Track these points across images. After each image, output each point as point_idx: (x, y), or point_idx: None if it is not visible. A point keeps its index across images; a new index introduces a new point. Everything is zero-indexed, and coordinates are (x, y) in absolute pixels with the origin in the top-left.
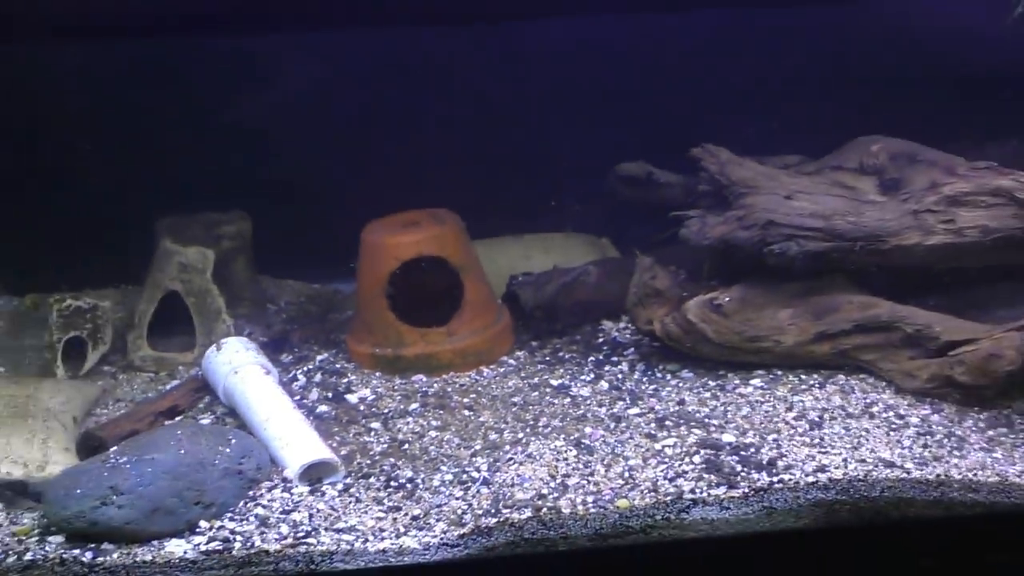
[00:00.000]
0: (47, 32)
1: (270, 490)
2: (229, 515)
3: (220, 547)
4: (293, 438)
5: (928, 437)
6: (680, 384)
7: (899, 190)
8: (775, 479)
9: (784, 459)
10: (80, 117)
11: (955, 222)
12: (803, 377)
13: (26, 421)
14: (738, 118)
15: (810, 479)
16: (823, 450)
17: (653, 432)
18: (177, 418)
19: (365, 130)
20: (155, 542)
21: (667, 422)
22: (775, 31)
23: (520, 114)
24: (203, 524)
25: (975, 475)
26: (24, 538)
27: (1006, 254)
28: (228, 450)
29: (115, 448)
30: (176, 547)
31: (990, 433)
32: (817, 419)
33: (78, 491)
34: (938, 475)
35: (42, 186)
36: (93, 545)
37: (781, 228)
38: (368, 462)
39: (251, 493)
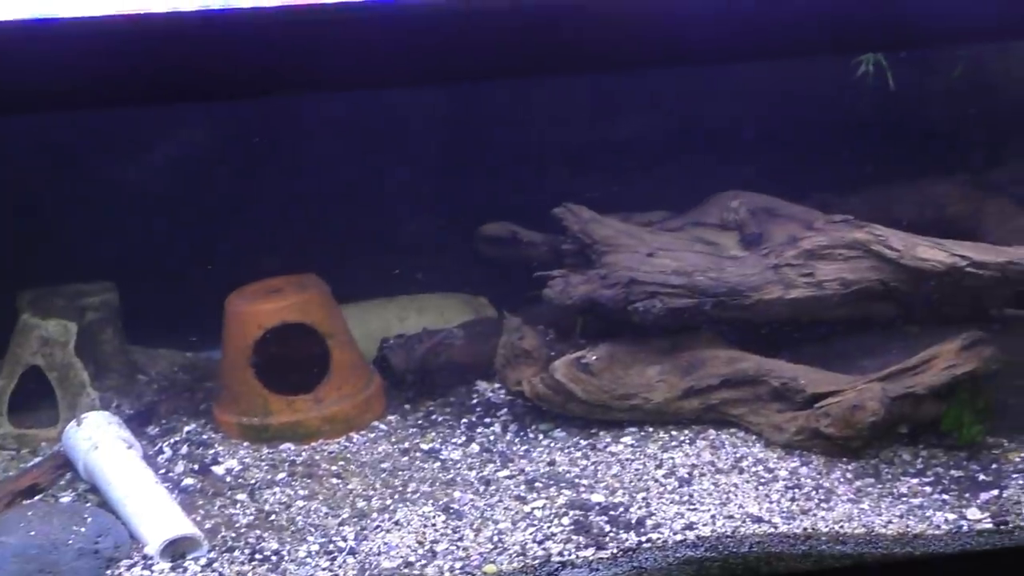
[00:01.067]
0: None
1: (129, 568)
2: None
3: None
4: (154, 514)
5: (797, 490)
6: (552, 444)
7: (760, 245)
8: (643, 539)
9: (653, 517)
10: None
11: (815, 275)
12: (674, 433)
13: None
14: (601, 176)
15: (678, 537)
16: (692, 507)
17: (523, 494)
18: (37, 497)
19: (236, 196)
20: None
21: (537, 483)
22: (630, 93)
23: (382, 179)
24: None
25: (843, 527)
26: None
27: (865, 305)
28: (83, 529)
29: None
30: None
31: (857, 484)
32: (687, 476)
33: None
34: (805, 528)
35: None
36: None
37: (644, 286)
38: (233, 535)
39: (109, 572)
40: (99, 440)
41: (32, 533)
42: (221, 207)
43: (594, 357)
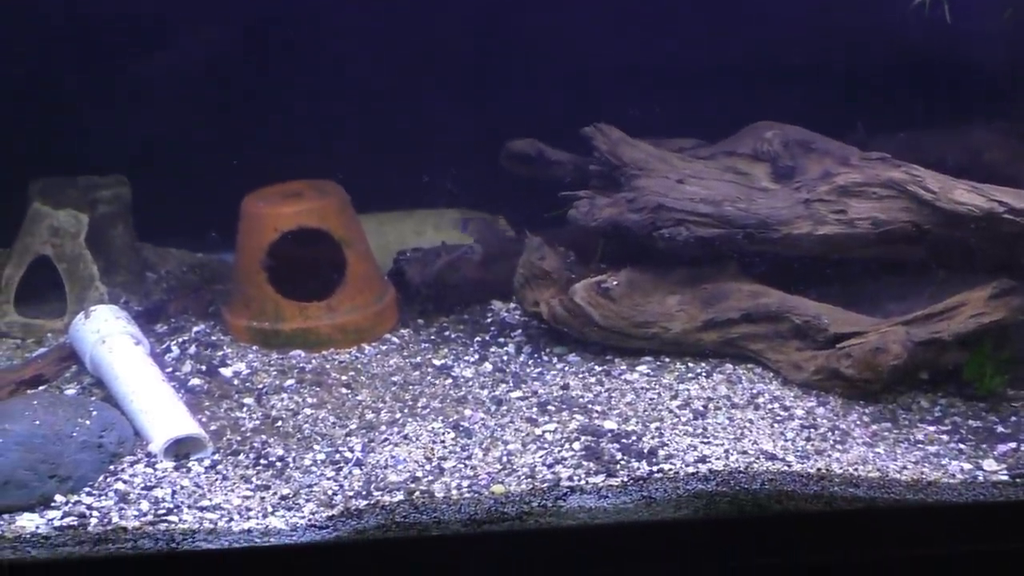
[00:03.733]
0: None
1: (132, 465)
2: (87, 490)
3: (75, 523)
4: (159, 412)
5: (812, 430)
6: (566, 368)
7: (792, 178)
8: (655, 469)
9: (665, 448)
10: None
11: (846, 213)
12: (690, 365)
13: None
14: (633, 99)
15: (690, 470)
16: (705, 440)
17: (535, 417)
18: (41, 387)
19: (255, 97)
20: (5, 516)
21: (549, 407)
22: (672, 12)
23: (411, 87)
24: (58, 498)
25: (856, 470)
26: None
27: (896, 247)
28: (88, 422)
29: None
30: (28, 522)
31: (874, 428)
32: (701, 408)
33: None
34: (819, 469)
35: None
36: None
37: (671, 212)
38: (238, 439)
39: (112, 468)
40: (107, 334)
41: (37, 423)
42: (243, 106)
43: (615, 282)
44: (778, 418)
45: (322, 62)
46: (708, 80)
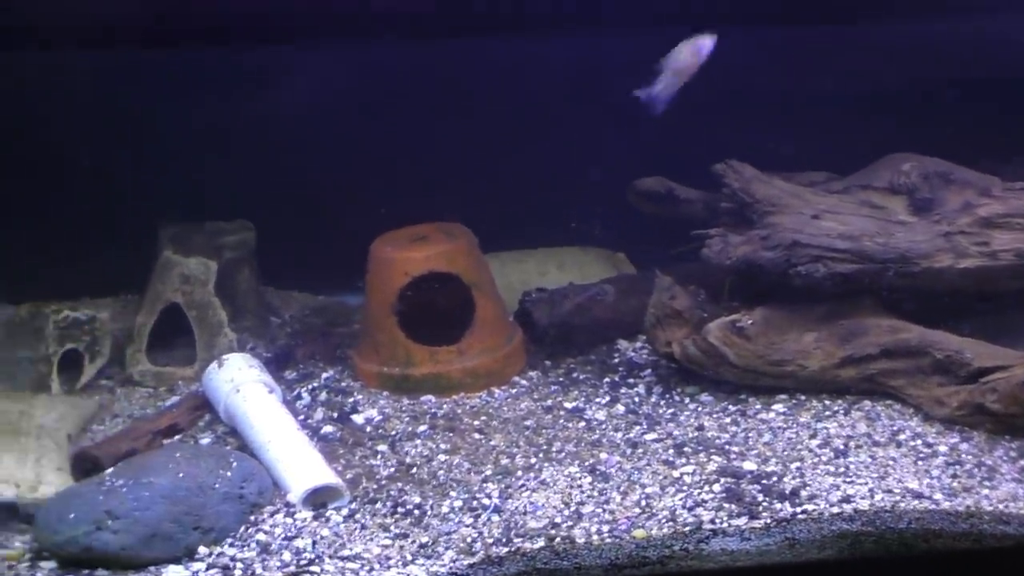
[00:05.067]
0: (49, 38)
1: (272, 515)
2: (229, 541)
3: (219, 574)
4: (297, 461)
5: (957, 467)
6: (699, 408)
7: (931, 211)
8: (798, 509)
9: (808, 488)
10: (83, 123)
11: (989, 244)
12: (827, 403)
13: (18, 439)
14: (761, 134)
15: (835, 510)
16: (848, 479)
17: (671, 459)
18: (176, 437)
19: (376, 140)
20: (152, 568)
21: (686, 448)
22: (798, 48)
23: (535, 128)
24: (202, 550)
25: (1006, 506)
26: (15, 563)
27: None
28: (229, 473)
29: (111, 470)
30: (174, 574)
31: (1022, 463)
32: (842, 447)
33: (72, 515)
34: (968, 506)
35: (40, 191)
36: (87, 572)
37: (807, 249)
38: (374, 487)
39: (252, 518)
40: (241, 383)
41: (180, 475)
42: (365, 150)
43: (750, 321)
44: (921, 455)
45: (442, 105)
46: (835, 113)
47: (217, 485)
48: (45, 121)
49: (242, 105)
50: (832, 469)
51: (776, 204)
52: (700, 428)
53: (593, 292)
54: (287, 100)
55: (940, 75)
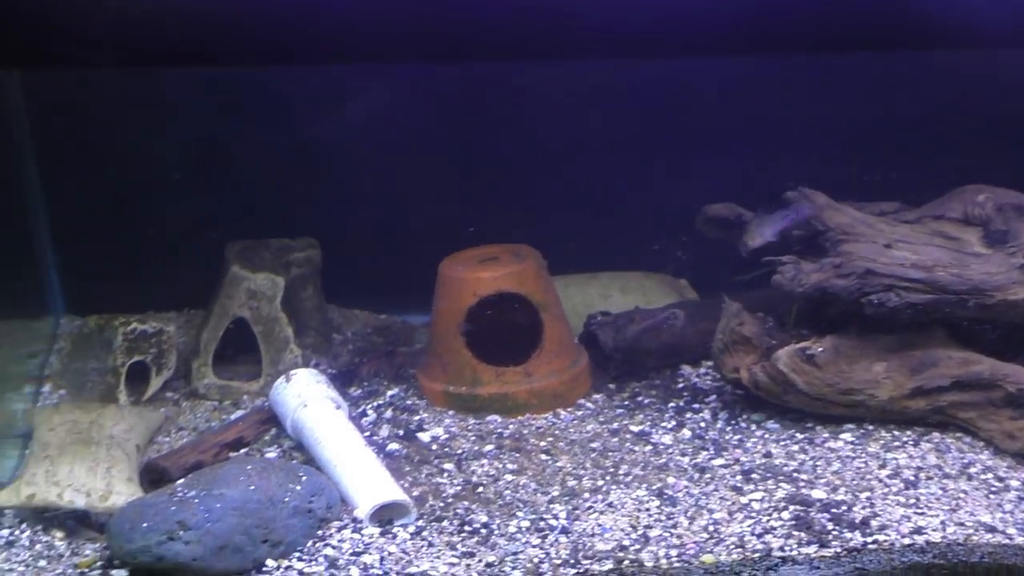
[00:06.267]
0: (129, 58)
1: (340, 530)
2: (297, 555)
3: None
4: (365, 477)
5: None
6: (766, 435)
7: (1005, 243)
8: (868, 539)
9: (878, 518)
10: (151, 141)
11: None
12: (896, 433)
13: (89, 448)
14: (833, 164)
15: (906, 541)
16: (919, 511)
17: (739, 485)
18: (242, 450)
19: (442, 161)
20: None
21: (753, 475)
22: (874, 76)
23: (608, 150)
24: (270, 563)
25: None
26: (87, 571)
27: None
28: (298, 487)
29: (182, 481)
30: None
31: None
32: (912, 478)
33: (144, 524)
34: None
35: (107, 208)
36: None
37: (880, 278)
38: (441, 504)
39: (320, 533)
40: (308, 398)
41: (251, 488)
42: (433, 170)
43: (820, 349)
44: (993, 489)
45: (514, 126)
46: (903, 143)
47: (287, 499)
48: (115, 137)
49: (309, 123)
50: (902, 500)
51: (849, 232)
52: (767, 455)
53: (664, 316)
54: (355, 118)
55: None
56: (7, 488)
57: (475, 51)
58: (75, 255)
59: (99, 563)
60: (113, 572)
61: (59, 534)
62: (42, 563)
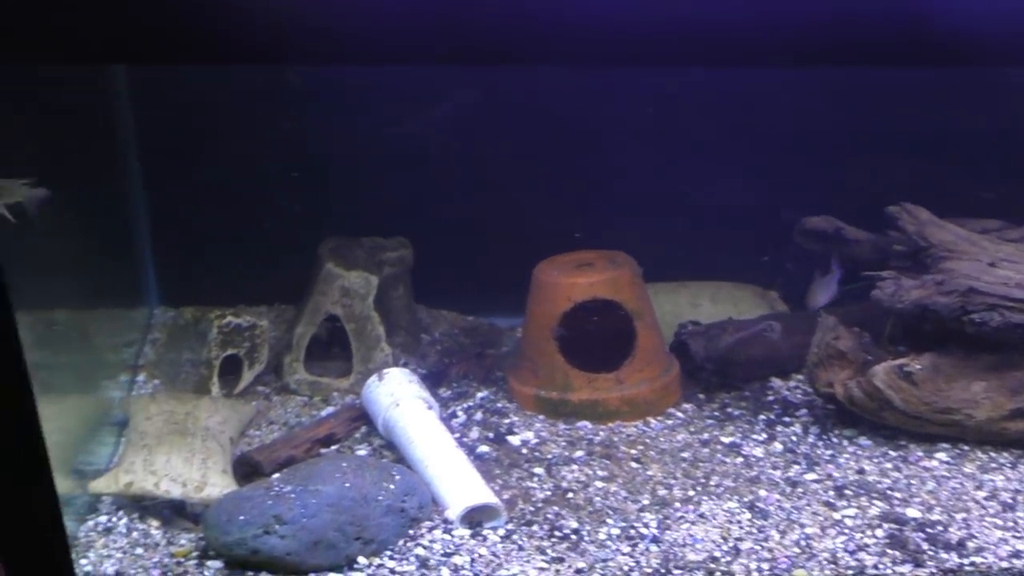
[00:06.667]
0: (227, 54)
1: (430, 530)
2: (388, 553)
3: None
4: (456, 479)
5: None
6: (858, 451)
7: None
8: (965, 561)
9: (975, 540)
10: (243, 135)
11: None
12: (992, 454)
13: (185, 439)
14: (939, 179)
15: (1003, 564)
16: (1018, 535)
17: (831, 500)
18: (333, 447)
19: (535, 162)
20: (313, 575)
21: (846, 491)
22: (983, 89)
23: (707, 158)
24: (361, 560)
25: None
26: (183, 560)
27: None
28: (392, 486)
29: (278, 475)
30: None
31: None
32: (1010, 501)
33: (241, 517)
34: None
35: (205, 200)
36: (251, 574)
37: (983, 296)
38: (531, 509)
39: (411, 532)
40: (400, 397)
41: (347, 485)
42: (523, 172)
43: (918, 366)
44: None
45: (609, 131)
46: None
47: (380, 497)
48: (215, 132)
49: (403, 122)
50: (1000, 523)
51: (952, 250)
52: (860, 471)
53: (759, 328)
54: (448, 118)
55: None
56: (106, 475)
57: (575, 56)
58: (171, 247)
59: (194, 553)
60: (208, 563)
61: (155, 523)
62: (139, 551)
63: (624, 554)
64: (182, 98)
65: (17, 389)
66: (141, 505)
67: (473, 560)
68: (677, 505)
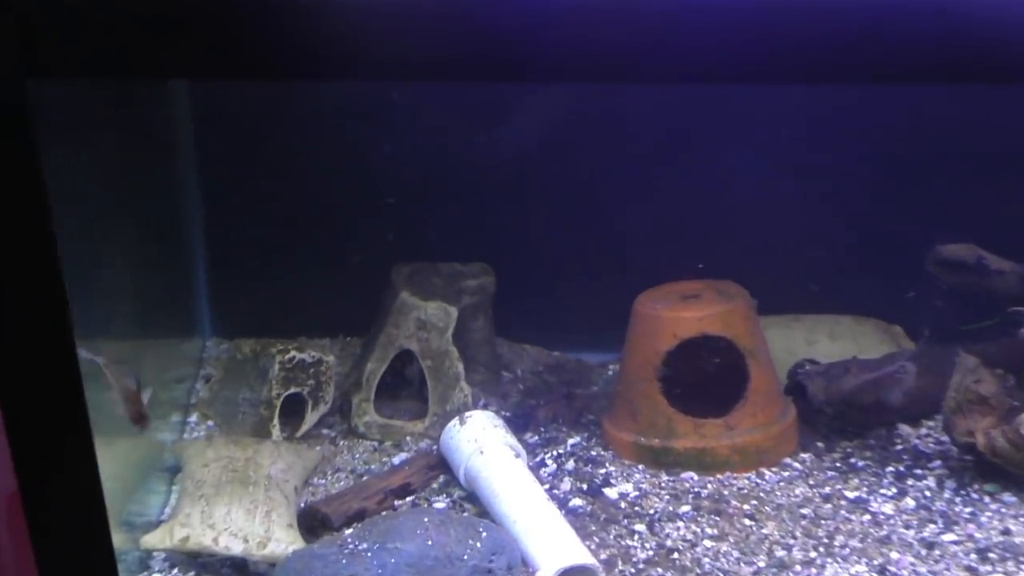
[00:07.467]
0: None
1: None
2: None
3: None
4: (548, 536)
5: None
6: (1002, 509)
7: None
8: None
9: None
10: (307, 159)
11: None
12: None
13: (247, 489)
14: None
15: None
16: None
17: (974, 565)
18: (408, 498)
19: (633, 183)
20: None
21: (990, 554)
22: None
23: (816, 182)
24: None
25: None
26: None
27: None
28: (478, 544)
29: (351, 531)
30: None
31: None
32: None
33: None
34: None
35: (262, 223)
36: None
37: None
38: (632, 570)
39: None
40: (485, 444)
41: (429, 543)
42: (620, 193)
43: None
44: None
45: (714, 158)
46: None
47: (466, 556)
48: (276, 154)
49: (485, 144)
50: None
51: None
52: (1005, 532)
53: (891, 369)
54: (536, 141)
55: None
56: (159, 528)
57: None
58: (226, 271)
59: None
60: None
61: None
62: None
63: None
64: (242, 115)
65: (80, 445)
66: (198, 562)
67: None
68: (797, 568)
